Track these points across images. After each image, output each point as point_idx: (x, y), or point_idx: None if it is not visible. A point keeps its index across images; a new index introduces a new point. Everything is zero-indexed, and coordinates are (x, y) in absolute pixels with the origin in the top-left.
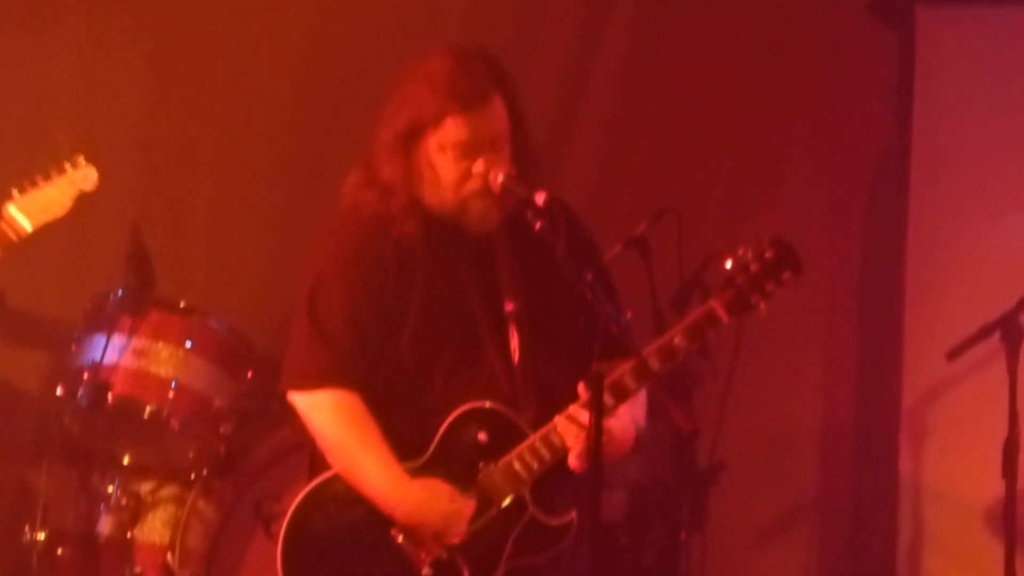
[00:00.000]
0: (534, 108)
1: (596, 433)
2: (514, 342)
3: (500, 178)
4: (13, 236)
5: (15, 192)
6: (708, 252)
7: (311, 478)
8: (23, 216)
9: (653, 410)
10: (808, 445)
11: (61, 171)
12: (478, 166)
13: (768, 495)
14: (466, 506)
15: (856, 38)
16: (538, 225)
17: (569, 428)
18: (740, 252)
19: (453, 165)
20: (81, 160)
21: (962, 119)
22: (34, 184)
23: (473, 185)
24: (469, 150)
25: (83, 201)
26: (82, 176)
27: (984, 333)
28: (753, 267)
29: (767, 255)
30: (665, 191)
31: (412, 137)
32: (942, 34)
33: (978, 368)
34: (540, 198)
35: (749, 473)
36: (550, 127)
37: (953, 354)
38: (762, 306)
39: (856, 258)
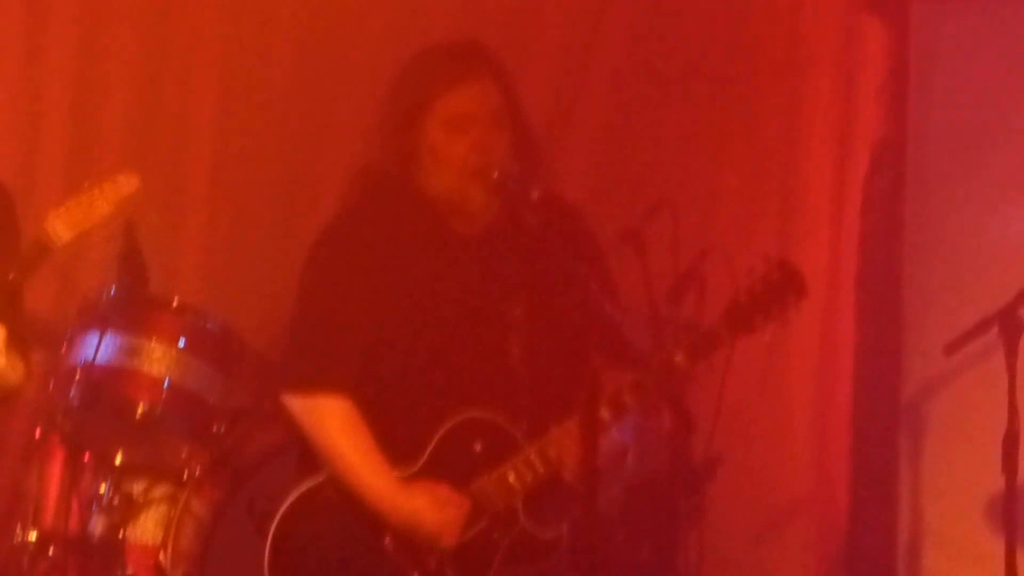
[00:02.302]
0: (529, 106)
1: (592, 431)
2: (513, 348)
3: (495, 173)
4: (56, 242)
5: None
6: (703, 246)
7: (299, 481)
8: (63, 224)
9: (649, 405)
10: (805, 440)
11: (101, 181)
12: (476, 141)
13: (766, 490)
14: (460, 511)
15: (850, 33)
16: (534, 221)
17: (564, 443)
18: (746, 274)
19: (451, 143)
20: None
21: (958, 113)
22: (75, 194)
23: (473, 162)
24: (465, 125)
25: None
26: (122, 182)
27: (982, 327)
28: (758, 289)
29: (772, 277)
30: (660, 186)
31: (409, 125)
32: (937, 29)
33: (977, 362)
34: (535, 194)
35: (746, 468)
36: (545, 123)
37: (951, 348)
38: (764, 327)
39: (853, 252)
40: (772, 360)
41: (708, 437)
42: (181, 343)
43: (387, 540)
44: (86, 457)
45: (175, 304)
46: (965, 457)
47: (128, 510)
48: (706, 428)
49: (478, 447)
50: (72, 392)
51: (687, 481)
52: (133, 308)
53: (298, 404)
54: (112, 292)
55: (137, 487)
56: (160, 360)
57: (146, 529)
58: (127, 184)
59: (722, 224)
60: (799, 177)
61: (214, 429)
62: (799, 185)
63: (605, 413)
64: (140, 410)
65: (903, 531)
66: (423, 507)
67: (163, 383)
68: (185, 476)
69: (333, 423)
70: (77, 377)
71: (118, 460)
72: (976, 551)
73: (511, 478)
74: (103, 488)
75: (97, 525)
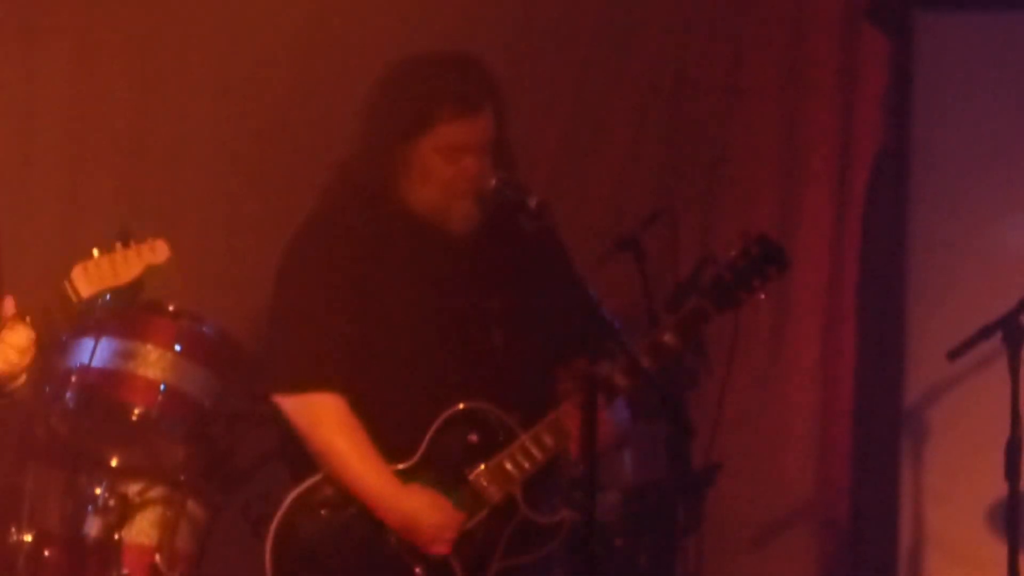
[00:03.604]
0: (528, 111)
1: (591, 433)
2: (498, 340)
3: (493, 181)
4: (73, 298)
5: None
6: (703, 254)
7: (293, 482)
8: (83, 281)
9: (649, 410)
10: (807, 445)
11: (131, 244)
12: (468, 169)
13: (766, 496)
14: (456, 516)
15: (853, 44)
16: (532, 228)
17: (564, 424)
18: (728, 250)
19: (444, 167)
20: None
21: (960, 123)
22: (105, 251)
23: (461, 187)
24: (459, 153)
25: (74, 217)
26: (150, 249)
27: (985, 333)
28: (739, 263)
29: (753, 251)
30: (660, 193)
31: (403, 138)
32: (940, 40)
33: (980, 368)
34: (533, 202)
35: (746, 474)
36: (544, 127)
37: (954, 354)
38: (748, 300)
39: (855, 258)
40: (773, 365)
41: (708, 442)
42: (177, 347)
43: (391, 536)
44: (81, 459)
45: (171, 308)
46: (967, 463)
47: (124, 512)
48: (706, 433)
49: (474, 437)
50: (68, 395)
51: (687, 487)
52: (128, 313)
53: (291, 404)
54: (107, 297)
55: (133, 489)
56: (156, 364)
57: (142, 531)
58: (157, 253)
59: (722, 232)
60: (801, 185)
61: (210, 431)
62: (801, 193)
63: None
64: (136, 413)
65: (905, 537)
66: (420, 511)
67: (159, 386)
68: (181, 478)
69: (328, 421)
70: (73, 380)
71: (113, 462)
72: (978, 557)
73: (509, 466)
74: (98, 490)
75: (92, 527)
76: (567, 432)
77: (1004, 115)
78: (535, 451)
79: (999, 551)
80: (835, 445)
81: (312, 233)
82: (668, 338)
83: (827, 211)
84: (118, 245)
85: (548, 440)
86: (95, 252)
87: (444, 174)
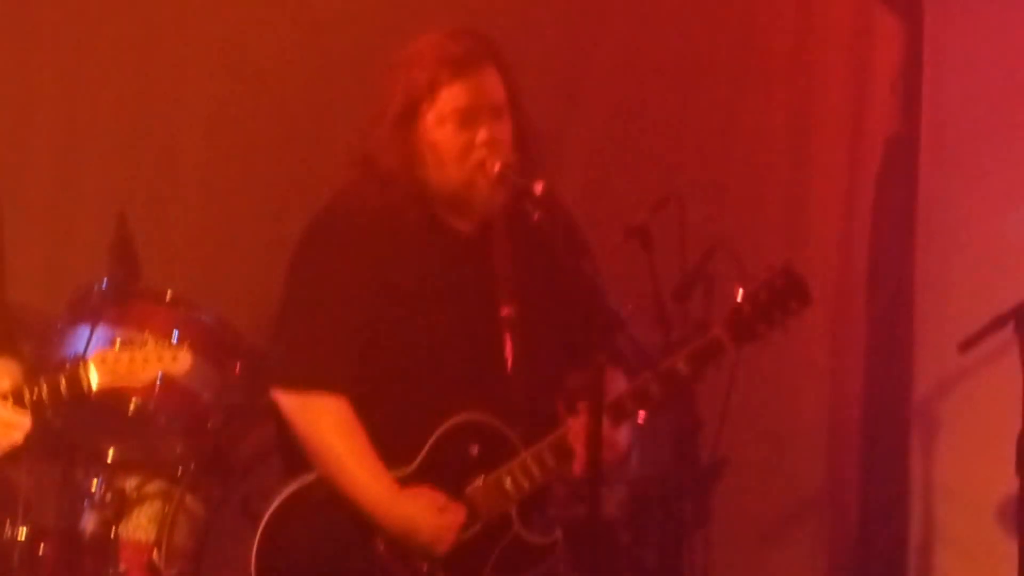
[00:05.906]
0: (535, 98)
1: (596, 424)
2: (509, 351)
3: (497, 166)
4: (84, 386)
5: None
6: (711, 242)
7: (287, 477)
8: (100, 371)
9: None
10: (815, 439)
11: (155, 345)
12: (481, 135)
13: (774, 491)
14: (456, 518)
15: (863, 26)
16: (536, 215)
17: (568, 442)
18: (751, 283)
19: (454, 137)
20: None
21: (971, 107)
22: (125, 346)
23: (476, 158)
24: (468, 118)
25: (70, 203)
26: (172, 357)
27: (997, 324)
28: (762, 296)
29: (777, 284)
30: (668, 180)
31: (409, 118)
32: (951, 21)
33: (991, 360)
34: (538, 187)
35: (754, 469)
36: (551, 116)
37: (965, 346)
38: (767, 335)
39: (864, 247)
40: (782, 358)
41: (715, 437)
42: (174, 337)
43: (379, 542)
44: (77, 453)
45: (168, 297)
46: (978, 457)
47: (121, 507)
48: (714, 428)
49: (474, 450)
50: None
51: (694, 482)
52: (125, 301)
53: (292, 402)
54: (103, 284)
55: (130, 483)
56: None
57: (139, 526)
58: (177, 363)
59: (731, 220)
60: (810, 172)
61: (209, 424)
62: (810, 180)
63: (607, 421)
64: (132, 405)
65: (914, 532)
66: (419, 514)
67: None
68: (179, 472)
69: (329, 423)
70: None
71: (110, 456)
72: (989, 553)
73: (507, 484)
74: (95, 484)
75: (89, 522)
76: (570, 452)
77: (1015, 100)
78: (535, 470)
79: (1009, 547)
80: (844, 439)
81: (329, 228)
82: (681, 367)
83: (836, 199)
84: (140, 340)
85: (550, 460)
86: (117, 342)
87: (457, 145)
